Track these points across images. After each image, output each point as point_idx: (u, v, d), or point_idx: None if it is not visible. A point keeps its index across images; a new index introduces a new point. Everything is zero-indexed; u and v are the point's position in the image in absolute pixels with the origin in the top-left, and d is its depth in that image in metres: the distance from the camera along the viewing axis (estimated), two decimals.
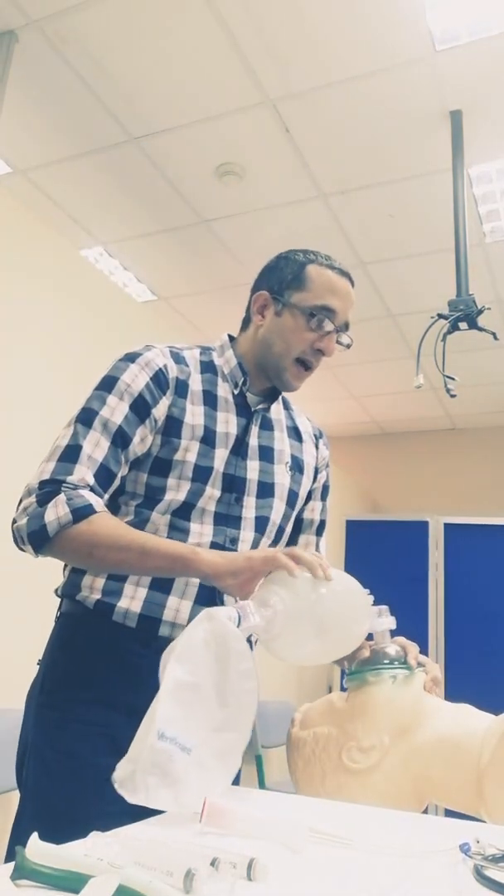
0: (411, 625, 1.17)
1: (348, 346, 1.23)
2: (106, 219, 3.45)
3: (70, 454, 1.06)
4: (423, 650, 1.16)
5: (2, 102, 2.45)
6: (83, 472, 1.05)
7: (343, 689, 1.15)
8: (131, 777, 0.77)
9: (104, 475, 1.07)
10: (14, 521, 1.05)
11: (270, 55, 2.49)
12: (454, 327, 2.43)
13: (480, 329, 2.43)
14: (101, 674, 1.08)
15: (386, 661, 1.10)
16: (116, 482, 1.11)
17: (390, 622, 1.11)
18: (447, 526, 4.38)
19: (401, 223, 3.33)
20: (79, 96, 2.70)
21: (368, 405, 5.49)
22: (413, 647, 1.13)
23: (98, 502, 1.03)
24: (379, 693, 1.06)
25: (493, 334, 2.38)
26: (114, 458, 1.09)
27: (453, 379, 2.33)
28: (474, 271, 2.84)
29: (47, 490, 1.03)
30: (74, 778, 1.02)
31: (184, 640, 0.84)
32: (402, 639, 1.14)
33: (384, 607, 1.11)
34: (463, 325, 2.43)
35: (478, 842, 0.72)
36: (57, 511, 1.00)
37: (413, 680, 1.08)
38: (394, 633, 1.14)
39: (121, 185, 3.21)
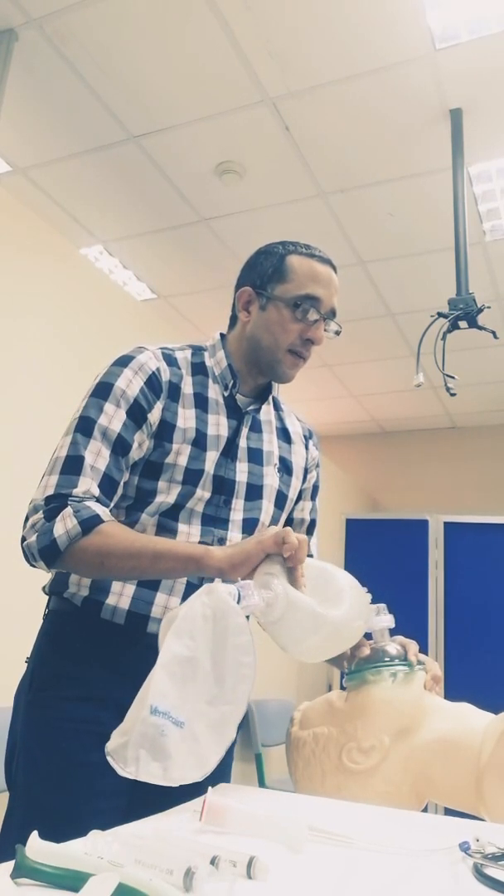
0: (411, 624, 1.17)
1: (337, 333, 1.22)
2: (106, 217, 3.45)
3: (72, 465, 1.06)
4: (423, 649, 1.16)
5: (1, 101, 2.45)
6: (88, 484, 1.05)
7: (342, 688, 1.15)
8: (122, 749, 0.79)
9: (108, 484, 1.07)
10: (24, 539, 1.05)
11: (270, 54, 2.48)
12: (454, 326, 2.43)
13: (480, 328, 2.42)
14: (89, 671, 1.08)
15: (386, 659, 1.10)
16: (120, 490, 1.11)
17: (389, 620, 1.11)
18: (447, 525, 4.37)
19: (401, 222, 3.32)
20: (79, 95, 2.70)
21: (368, 404, 5.49)
22: (413, 645, 1.13)
23: (105, 512, 1.03)
24: (379, 693, 1.06)
25: (493, 333, 2.38)
26: (116, 467, 1.08)
27: (453, 378, 2.32)
28: (474, 270, 2.84)
29: (54, 505, 1.03)
30: (65, 776, 1.03)
31: (182, 613, 0.86)
32: (401, 637, 1.14)
33: (382, 605, 1.11)
34: (463, 323, 2.43)
35: (477, 840, 0.72)
36: (65, 525, 1.00)
37: (413, 679, 1.08)
38: (393, 632, 1.14)
39: (121, 184, 3.21)
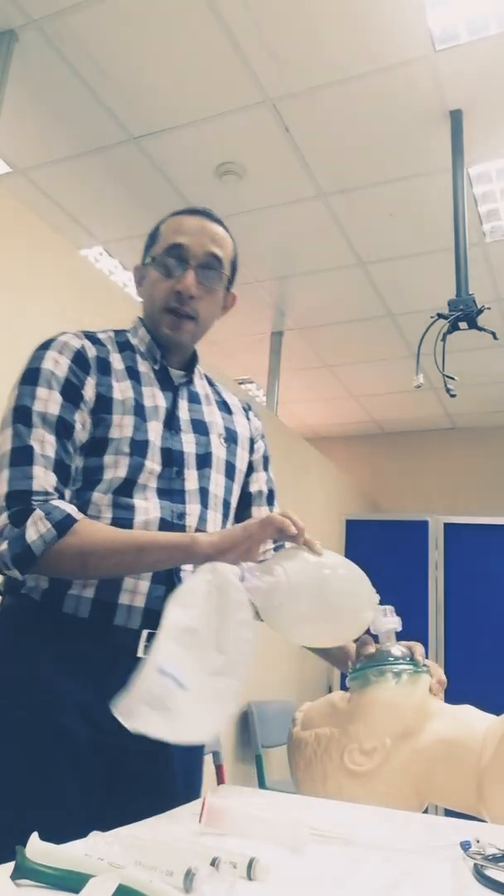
0: (411, 625, 1.17)
1: (217, 279, 1.19)
2: (106, 218, 3.45)
3: (21, 457, 1.01)
4: (424, 650, 1.15)
5: (2, 102, 2.45)
6: (42, 474, 1.00)
7: (343, 688, 1.15)
8: (127, 703, 0.78)
9: (62, 470, 1.03)
10: None
11: (270, 55, 2.48)
12: (454, 327, 2.43)
13: (480, 329, 2.43)
14: (48, 675, 1.01)
15: (390, 659, 1.09)
16: (73, 474, 1.06)
17: (396, 622, 1.11)
18: (447, 526, 4.37)
19: (401, 223, 3.32)
20: (79, 96, 2.70)
21: (368, 405, 5.49)
22: (418, 647, 1.13)
23: (74, 510, 1.00)
24: (381, 694, 1.06)
25: (493, 334, 2.38)
26: (64, 451, 1.04)
27: (453, 378, 2.33)
28: (474, 271, 2.84)
29: (18, 508, 0.98)
30: (27, 787, 0.97)
31: (185, 587, 0.87)
32: (406, 642, 1.14)
33: (390, 608, 1.10)
34: (463, 324, 2.43)
35: (477, 841, 0.72)
36: (38, 529, 0.96)
37: (417, 682, 1.08)
38: (396, 635, 1.14)
39: (121, 185, 3.21)
